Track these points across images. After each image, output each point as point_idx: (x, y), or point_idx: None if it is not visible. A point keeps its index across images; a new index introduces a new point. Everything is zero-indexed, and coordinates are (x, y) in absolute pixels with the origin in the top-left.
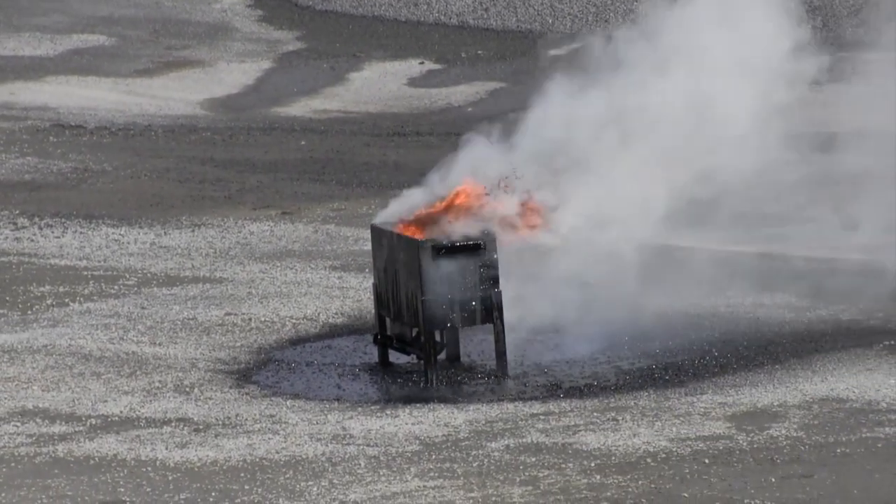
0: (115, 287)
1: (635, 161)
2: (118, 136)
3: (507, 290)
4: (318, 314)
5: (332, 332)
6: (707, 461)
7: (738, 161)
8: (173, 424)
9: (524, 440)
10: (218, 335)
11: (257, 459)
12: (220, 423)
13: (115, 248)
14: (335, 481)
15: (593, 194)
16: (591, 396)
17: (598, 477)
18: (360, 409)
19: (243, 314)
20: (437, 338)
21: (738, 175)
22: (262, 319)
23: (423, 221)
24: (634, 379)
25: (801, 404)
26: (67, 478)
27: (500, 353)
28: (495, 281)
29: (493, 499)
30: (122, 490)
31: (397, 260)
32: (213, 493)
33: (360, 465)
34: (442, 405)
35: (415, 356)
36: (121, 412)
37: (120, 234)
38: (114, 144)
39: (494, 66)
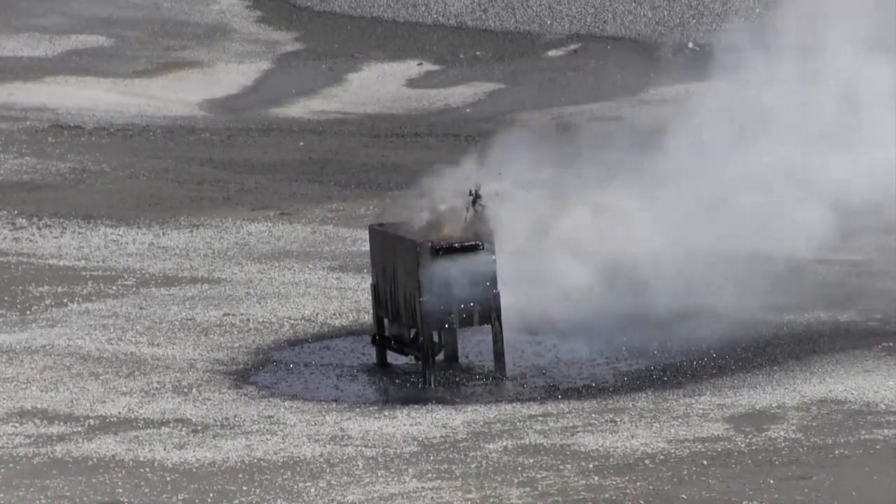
0: (114, 287)
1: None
2: (116, 137)
3: (507, 290)
4: (317, 315)
5: (331, 333)
6: (705, 463)
7: None
8: (171, 425)
9: (522, 441)
10: (216, 336)
11: (255, 460)
12: (219, 423)
13: (114, 249)
14: (333, 482)
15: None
16: (590, 398)
17: (597, 478)
18: (358, 409)
19: (241, 315)
20: (436, 339)
21: None
22: (261, 320)
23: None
24: (632, 380)
25: (799, 406)
26: (66, 478)
27: (499, 354)
28: (493, 282)
29: (491, 500)
30: (121, 491)
31: (396, 260)
32: (212, 494)
33: (357, 466)
34: (440, 406)
35: (413, 357)
36: (119, 413)
37: (118, 235)
38: (112, 145)
39: (493, 68)
